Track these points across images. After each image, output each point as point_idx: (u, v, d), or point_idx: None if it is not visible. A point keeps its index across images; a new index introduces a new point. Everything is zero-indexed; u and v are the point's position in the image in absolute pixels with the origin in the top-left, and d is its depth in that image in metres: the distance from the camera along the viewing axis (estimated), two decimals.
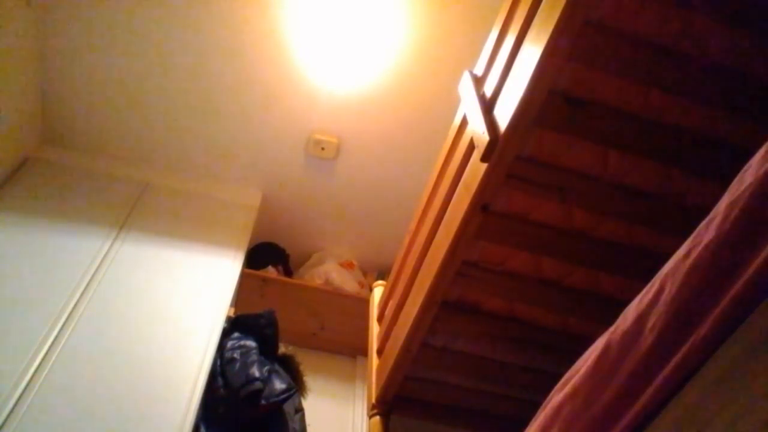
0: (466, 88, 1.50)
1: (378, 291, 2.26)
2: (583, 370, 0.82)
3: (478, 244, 1.45)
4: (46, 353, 1.78)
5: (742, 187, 0.67)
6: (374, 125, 2.57)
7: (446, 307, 1.60)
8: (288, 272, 2.87)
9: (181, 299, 2.11)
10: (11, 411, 1.62)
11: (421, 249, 1.65)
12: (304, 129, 2.58)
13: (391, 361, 1.77)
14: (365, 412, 2.16)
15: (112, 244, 2.19)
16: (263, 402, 1.80)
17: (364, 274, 2.97)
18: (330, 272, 2.77)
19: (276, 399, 1.82)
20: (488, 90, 1.38)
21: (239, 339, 2.02)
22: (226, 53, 2.35)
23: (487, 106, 1.34)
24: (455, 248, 1.43)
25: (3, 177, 2.28)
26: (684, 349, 0.67)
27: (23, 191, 2.27)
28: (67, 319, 1.89)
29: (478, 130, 1.31)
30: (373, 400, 1.90)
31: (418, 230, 1.76)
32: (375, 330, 2.11)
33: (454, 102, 1.61)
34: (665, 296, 0.72)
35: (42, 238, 2.11)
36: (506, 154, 1.26)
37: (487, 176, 1.29)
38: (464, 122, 1.51)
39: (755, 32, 1.11)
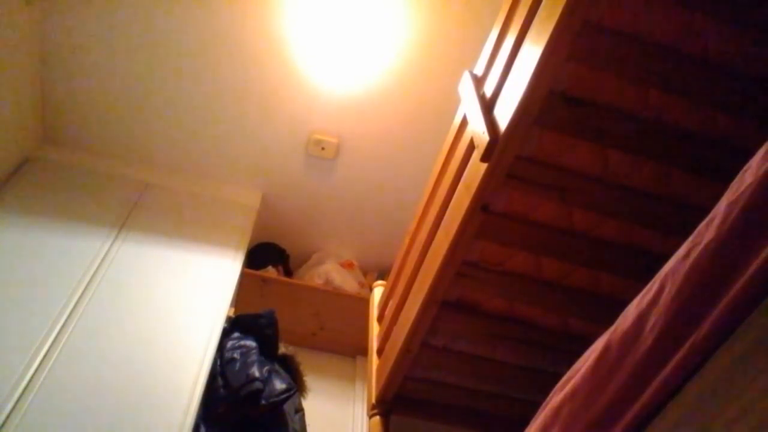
0: (466, 88, 1.49)
1: (378, 291, 2.26)
2: (583, 370, 0.82)
3: (478, 244, 1.45)
4: (46, 353, 1.78)
5: (742, 187, 0.67)
6: (374, 125, 2.57)
7: (446, 307, 1.60)
8: (288, 272, 2.87)
9: (181, 299, 2.11)
10: (12, 411, 1.62)
11: (421, 249, 1.65)
12: (304, 129, 2.58)
13: (391, 361, 1.77)
14: (365, 412, 2.16)
15: (112, 244, 2.19)
16: (263, 402, 1.80)
17: (364, 274, 2.97)
18: (330, 272, 2.77)
19: (276, 399, 1.82)
20: (488, 90, 1.38)
21: (239, 339, 2.02)
22: (227, 53, 2.35)
23: (487, 106, 1.34)
24: (455, 248, 1.43)
25: (3, 177, 2.28)
26: (684, 349, 0.67)
27: (23, 191, 2.27)
28: (67, 319, 1.89)
29: (478, 130, 1.31)
30: (373, 400, 1.90)
31: (418, 230, 1.76)
32: (375, 330, 2.11)
33: (454, 102, 1.61)
34: (665, 296, 0.72)
35: (42, 238, 2.11)
36: (506, 154, 1.26)
37: (487, 176, 1.28)
38: (464, 122, 1.51)
39: (755, 32, 1.11)
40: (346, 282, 2.78)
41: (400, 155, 2.66)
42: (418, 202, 1.83)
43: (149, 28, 2.28)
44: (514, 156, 1.27)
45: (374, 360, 1.99)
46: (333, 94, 2.48)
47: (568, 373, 0.88)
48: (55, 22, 2.24)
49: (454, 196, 1.46)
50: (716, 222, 0.69)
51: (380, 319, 2.09)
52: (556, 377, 0.92)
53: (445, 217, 1.51)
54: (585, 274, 1.51)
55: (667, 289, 0.72)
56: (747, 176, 0.67)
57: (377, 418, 1.86)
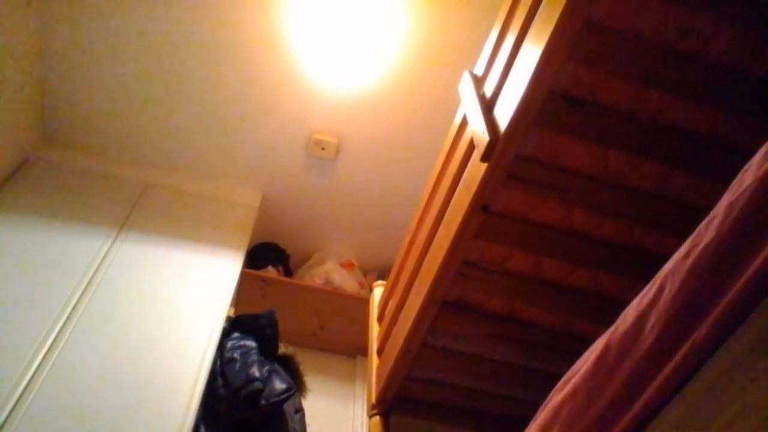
0: (466, 88, 1.50)
1: (378, 291, 2.26)
2: (583, 370, 0.82)
3: (478, 244, 1.45)
4: (46, 353, 1.78)
5: (742, 187, 0.66)
6: (374, 125, 2.57)
7: (446, 307, 1.60)
8: (288, 272, 2.87)
9: (181, 299, 2.11)
10: (11, 411, 1.62)
11: (421, 249, 1.65)
12: (304, 129, 2.58)
13: (391, 361, 1.77)
14: (365, 412, 2.16)
15: (112, 244, 2.19)
16: (263, 402, 1.80)
17: (364, 274, 2.97)
18: (330, 272, 2.77)
19: (276, 399, 1.82)
20: (488, 90, 1.38)
21: (239, 339, 2.02)
22: (227, 53, 2.35)
23: (487, 106, 1.34)
24: (455, 248, 1.43)
25: (3, 177, 2.28)
26: (684, 349, 0.67)
27: (23, 191, 2.27)
28: (67, 319, 1.89)
29: (478, 130, 1.31)
30: (373, 400, 1.90)
31: (418, 230, 1.76)
32: (375, 330, 2.11)
33: (454, 102, 1.61)
34: (665, 296, 0.72)
35: (42, 238, 2.11)
36: (506, 154, 1.26)
37: (487, 176, 1.28)
38: (464, 122, 1.51)
39: (756, 32, 1.11)
40: (346, 282, 2.78)
41: (400, 155, 2.66)
42: (418, 202, 1.83)
43: (149, 28, 2.28)
44: (514, 156, 1.27)
45: (374, 360, 1.99)
46: (333, 94, 2.48)
47: (568, 373, 0.88)
48: (55, 23, 2.24)
49: (454, 196, 1.46)
50: (716, 222, 0.69)
51: (380, 319, 2.09)
52: (556, 377, 0.92)
53: (445, 217, 1.51)
54: (585, 274, 1.51)
55: (667, 289, 0.72)
56: (747, 176, 0.67)
57: (377, 418, 1.86)
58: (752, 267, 0.62)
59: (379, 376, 1.90)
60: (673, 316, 0.70)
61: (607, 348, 0.79)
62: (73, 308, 1.93)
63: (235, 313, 2.22)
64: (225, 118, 2.53)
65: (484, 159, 1.26)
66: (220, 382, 1.89)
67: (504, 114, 1.24)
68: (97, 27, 2.27)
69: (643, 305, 0.75)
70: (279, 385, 1.86)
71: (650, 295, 0.75)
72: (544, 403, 0.91)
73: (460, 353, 1.77)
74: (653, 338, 0.71)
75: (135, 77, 2.40)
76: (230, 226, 2.50)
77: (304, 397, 2.05)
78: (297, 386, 1.96)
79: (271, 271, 2.71)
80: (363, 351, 2.30)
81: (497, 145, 1.23)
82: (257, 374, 1.84)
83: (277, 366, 1.97)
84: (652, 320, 0.72)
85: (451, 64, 2.26)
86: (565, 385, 0.87)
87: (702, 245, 0.69)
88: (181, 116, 2.52)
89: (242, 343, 1.99)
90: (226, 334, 2.06)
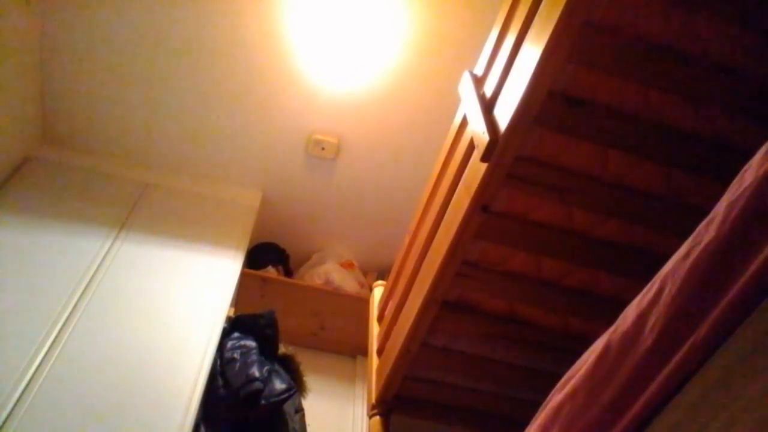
0: (466, 88, 1.49)
1: (378, 291, 2.26)
2: (583, 370, 0.82)
3: (478, 244, 1.45)
4: (46, 354, 1.78)
5: (742, 187, 0.67)
6: (374, 125, 2.57)
7: (446, 307, 1.60)
8: (288, 272, 2.87)
9: (181, 299, 2.11)
10: (11, 411, 1.62)
11: (421, 249, 1.65)
12: (304, 129, 2.58)
13: (391, 361, 1.77)
14: (365, 412, 2.16)
15: (112, 244, 2.19)
16: (263, 402, 1.80)
17: (364, 274, 2.97)
18: (330, 272, 2.77)
19: (276, 399, 1.82)
20: (488, 90, 1.38)
21: (239, 339, 2.02)
22: (227, 53, 2.35)
23: (487, 106, 1.34)
24: (455, 248, 1.43)
25: (3, 177, 2.28)
26: (684, 349, 0.67)
27: (23, 191, 2.27)
28: (66, 319, 1.89)
29: (478, 130, 1.31)
30: (373, 400, 1.90)
31: (418, 230, 1.76)
32: (375, 330, 2.11)
33: (454, 102, 1.61)
34: (665, 296, 0.72)
35: (42, 238, 2.11)
36: (506, 154, 1.26)
37: (487, 176, 1.28)
38: (464, 122, 1.51)
39: (756, 32, 1.11)
40: (346, 282, 2.78)
41: (400, 155, 2.66)
42: (418, 202, 1.83)
43: (149, 28, 2.28)
44: (514, 156, 1.27)
45: (374, 360, 1.99)
46: (333, 94, 2.48)
47: (568, 373, 0.88)
48: (55, 22, 2.24)
49: (454, 196, 1.46)
50: (716, 222, 0.69)
51: (380, 319, 2.09)
52: (556, 377, 0.92)
53: (445, 217, 1.50)
54: (585, 274, 1.51)
55: (667, 289, 0.72)
56: (747, 176, 0.67)
57: (377, 418, 1.86)
58: (752, 267, 0.62)
59: (379, 376, 1.90)
60: (673, 316, 0.70)
61: (607, 348, 0.79)
62: (73, 308, 1.93)
63: (235, 313, 2.22)
64: (225, 118, 2.53)
65: (484, 159, 1.26)
66: (220, 382, 1.89)
67: (504, 114, 1.24)
68: (96, 27, 2.27)
69: (643, 305, 0.75)
70: (279, 385, 1.86)
71: (650, 295, 0.75)
72: (544, 403, 0.91)
73: (460, 353, 1.77)
74: (653, 338, 0.71)
75: (135, 77, 2.40)
76: (230, 226, 2.50)
77: (304, 397, 2.05)
78: (297, 386, 1.96)
79: (271, 271, 2.71)
80: (363, 351, 2.30)
81: (497, 145, 1.23)
82: (257, 374, 1.84)
83: (277, 366, 1.97)
84: (652, 320, 0.72)
85: (451, 64, 2.26)
86: (565, 385, 0.87)
87: (702, 245, 0.69)
88: (181, 116, 2.52)
89: (242, 343, 1.99)
90: (226, 334, 2.06)
